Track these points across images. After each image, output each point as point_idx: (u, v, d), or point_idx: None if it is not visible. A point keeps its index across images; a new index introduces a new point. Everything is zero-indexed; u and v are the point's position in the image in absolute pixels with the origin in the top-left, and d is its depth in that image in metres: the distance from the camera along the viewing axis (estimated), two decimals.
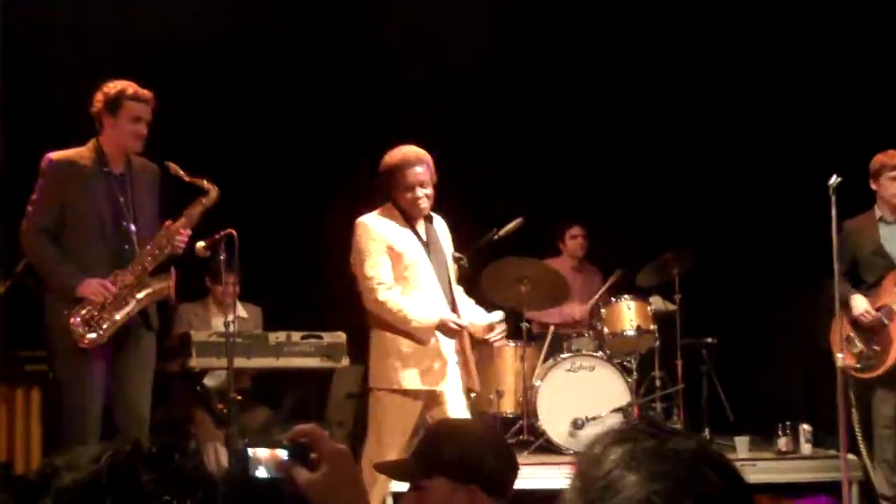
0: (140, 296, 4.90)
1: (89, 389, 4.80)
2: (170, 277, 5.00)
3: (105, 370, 4.86)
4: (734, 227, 7.66)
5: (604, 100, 7.83)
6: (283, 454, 1.73)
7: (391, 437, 4.85)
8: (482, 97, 7.77)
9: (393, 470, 2.86)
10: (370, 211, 5.01)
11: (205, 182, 5.03)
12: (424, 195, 4.93)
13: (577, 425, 6.44)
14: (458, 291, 5.14)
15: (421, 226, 5.03)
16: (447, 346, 4.92)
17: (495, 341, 5.12)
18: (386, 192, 4.98)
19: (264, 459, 1.74)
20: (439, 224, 5.15)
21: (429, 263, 4.95)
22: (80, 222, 4.89)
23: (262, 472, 1.74)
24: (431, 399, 4.91)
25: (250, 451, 1.75)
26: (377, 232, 4.89)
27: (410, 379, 4.85)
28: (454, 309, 4.97)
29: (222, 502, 1.42)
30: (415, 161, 4.92)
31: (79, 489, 1.31)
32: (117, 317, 4.83)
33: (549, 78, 7.84)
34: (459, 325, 4.87)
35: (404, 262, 4.90)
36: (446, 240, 5.15)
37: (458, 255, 5.15)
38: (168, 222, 5.01)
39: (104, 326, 4.80)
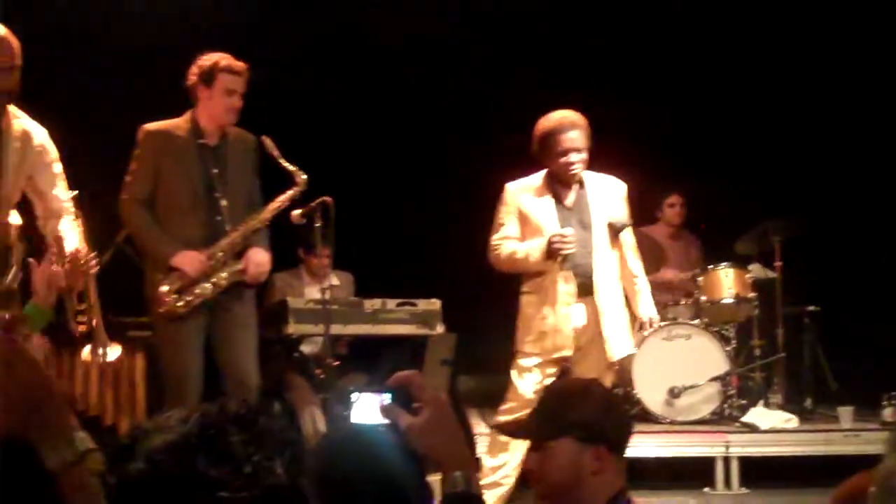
0: (224, 274, 4.92)
1: (188, 357, 4.89)
2: (245, 259, 4.98)
3: (202, 338, 4.94)
4: (838, 192, 7.46)
5: (704, 66, 7.66)
6: (386, 399, 1.74)
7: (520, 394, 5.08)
8: (590, 55, 7.64)
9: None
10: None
11: (296, 172, 5.03)
12: (579, 160, 4.95)
13: (673, 394, 6.37)
14: (611, 256, 5.12)
15: (572, 191, 5.05)
16: (578, 317, 5.03)
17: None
18: (539, 157, 5.03)
19: (368, 405, 1.74)
20: (598, 188, 5.12)
21: (569, 229, 4.99)
22: (172, 193, 4.94)
23: (364, 418, 1.75)
24: (561, 365, 5.10)
25: (354, 395, 1.75)
26: (509, 197, 5.11)
27: (535, 345, 5.07)
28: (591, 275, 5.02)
29: (313, 460, 1.42)
30: (569, 126, 4.95)
31: (169, 450, 1.32)
32: (203, 290, 4.87)
33: (647, 41, 7.69)
34: (563, 239, 4.88)
35: (533, 226, 5.02)
36: (603, 204, 5.11)
37: (620, 221, 5.10)
38: (261, 217, 5.02)
39: (188, 299, 4.85)
